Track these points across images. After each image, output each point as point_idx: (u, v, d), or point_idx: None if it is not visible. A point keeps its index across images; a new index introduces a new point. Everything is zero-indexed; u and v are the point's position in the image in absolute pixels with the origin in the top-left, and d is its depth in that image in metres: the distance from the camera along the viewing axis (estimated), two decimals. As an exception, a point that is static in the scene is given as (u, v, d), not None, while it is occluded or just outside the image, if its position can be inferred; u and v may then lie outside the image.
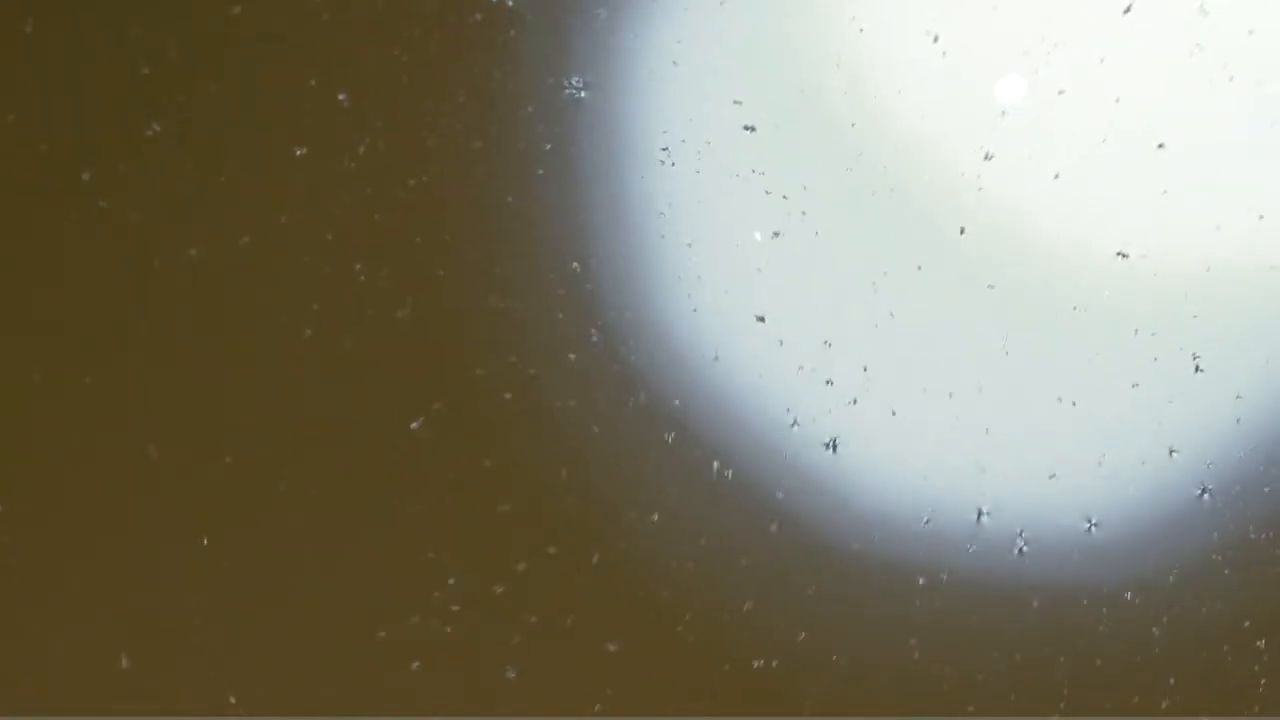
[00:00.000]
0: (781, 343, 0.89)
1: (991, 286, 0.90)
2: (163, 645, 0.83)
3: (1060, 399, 0.90)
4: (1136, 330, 0.90)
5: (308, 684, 0.84)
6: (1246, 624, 0.88)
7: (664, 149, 0.88)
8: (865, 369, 0.89)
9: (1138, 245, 0.90)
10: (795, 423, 0.89)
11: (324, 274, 0.85)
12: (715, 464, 0.88)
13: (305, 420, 0.85)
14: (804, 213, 0.88)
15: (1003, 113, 0.91)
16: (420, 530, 0.85)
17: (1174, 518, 0.89)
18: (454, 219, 0.86)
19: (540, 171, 0.87)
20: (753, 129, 0.88)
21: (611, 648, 0.87)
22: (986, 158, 0.90)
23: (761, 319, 0.88)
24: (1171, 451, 0.89)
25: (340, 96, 0.86)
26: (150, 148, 0.86)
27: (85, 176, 0.85)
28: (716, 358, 0.88)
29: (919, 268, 0.89)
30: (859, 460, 0.89)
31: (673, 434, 0.88)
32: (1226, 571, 0.89)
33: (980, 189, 0.90)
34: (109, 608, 0.83)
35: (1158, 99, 0.90)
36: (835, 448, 0.89)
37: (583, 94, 0.88)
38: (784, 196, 0.88)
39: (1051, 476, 0.89)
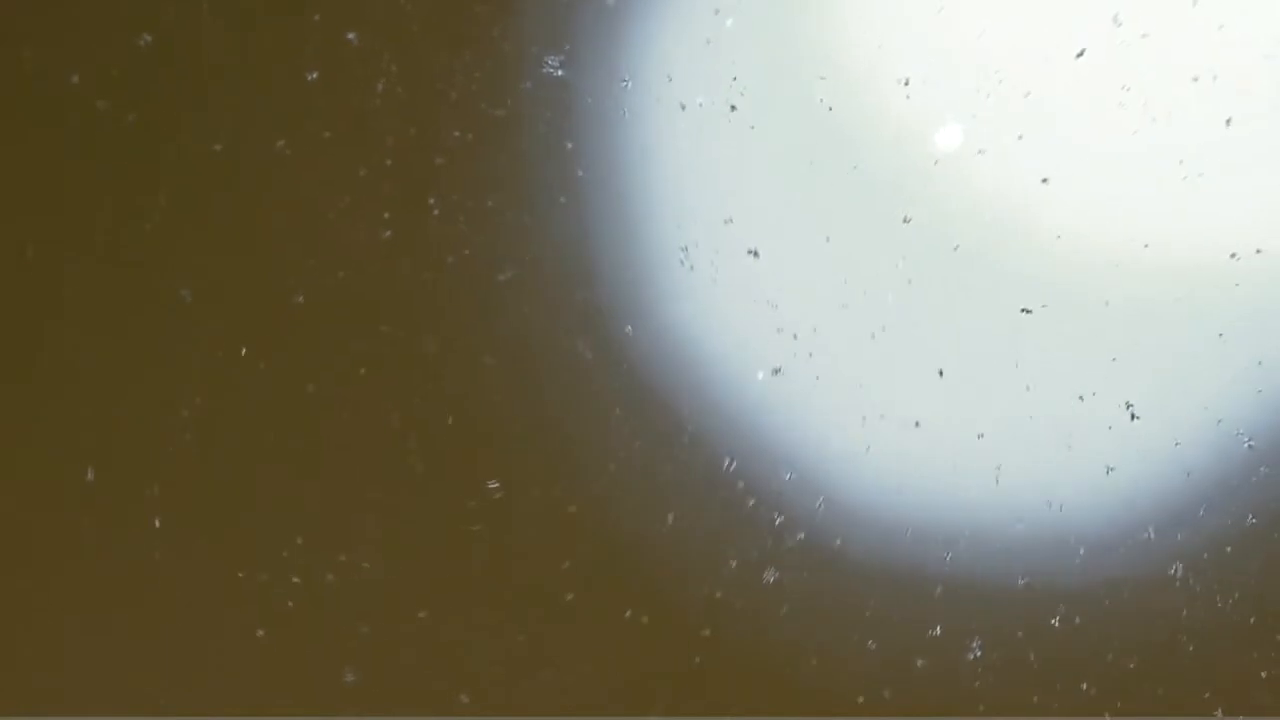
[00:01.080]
0: (742, 484, 0.81)
1: (982, 435, 0.79)
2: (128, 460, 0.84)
3: (1049, 503, 0.80)
4: (1081, 397, 0.81)
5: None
6: (1206, 694, 0.82)
7: (683, 248, 0.82)
8: (820, 503, 0.76)
9: (1038, 297, 0.82)
10: (734, 562, 0.78)
11: (390, 194, 0.83)
12: (628, 612, 0.80)
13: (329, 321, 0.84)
14: (810, 354, 0.81)
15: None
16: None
17: (1148, 600, 0.82)
18: (517, 193, 0.84)
19: (580, 174, 0.83)
20: (756, 254, 0.82)
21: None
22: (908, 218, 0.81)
23: (731, 466, 0.81)
24: (1149, 534, 0.80)
25: (349, 35, 0.84)
26: (144, 56, 0.84)
27: (74, 79, 0.84)
28: (673, 520, 0.81)
29: (917, 423, 0.79)
30: (798, 597, 0.80)
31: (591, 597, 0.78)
32: (1191, 648, 0.82)
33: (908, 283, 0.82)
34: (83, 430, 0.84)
35: (1069, 140, 0.82)
36: (774, 583, 0.80)
37: (560, 73, 0.83)
38: (794, 336, 0.82)
39: (1025, 583, 0.79)
